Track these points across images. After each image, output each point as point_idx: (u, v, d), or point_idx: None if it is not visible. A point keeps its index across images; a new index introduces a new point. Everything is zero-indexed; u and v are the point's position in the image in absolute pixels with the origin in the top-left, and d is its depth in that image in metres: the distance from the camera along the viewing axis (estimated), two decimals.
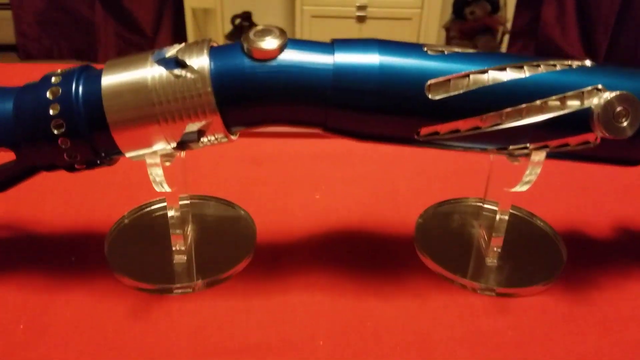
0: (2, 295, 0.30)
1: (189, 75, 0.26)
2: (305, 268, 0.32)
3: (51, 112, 0.27)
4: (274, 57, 0.26)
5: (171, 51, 0.27)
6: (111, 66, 0.27)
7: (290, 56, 0.27)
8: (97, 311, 0.29)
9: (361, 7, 1.64)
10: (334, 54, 0.27)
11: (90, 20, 1.90)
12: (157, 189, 0.29)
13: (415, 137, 0.28)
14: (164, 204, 0.35)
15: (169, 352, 0.27)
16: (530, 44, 1.96)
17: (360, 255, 0.34)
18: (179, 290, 0.31)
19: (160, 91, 0.26)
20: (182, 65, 0.26)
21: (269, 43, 0.26)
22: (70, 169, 0.29)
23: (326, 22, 1.66)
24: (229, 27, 1.73)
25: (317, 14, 1.65)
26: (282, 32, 0.27)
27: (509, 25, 1.74)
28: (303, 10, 1.63)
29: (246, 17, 1.73)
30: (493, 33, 1.74)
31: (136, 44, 1.92)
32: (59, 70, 0.28)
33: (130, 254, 0.33)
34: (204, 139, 0.28)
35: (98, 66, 0.29)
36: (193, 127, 0.27)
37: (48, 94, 0.27)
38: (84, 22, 1.91)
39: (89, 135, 0.27)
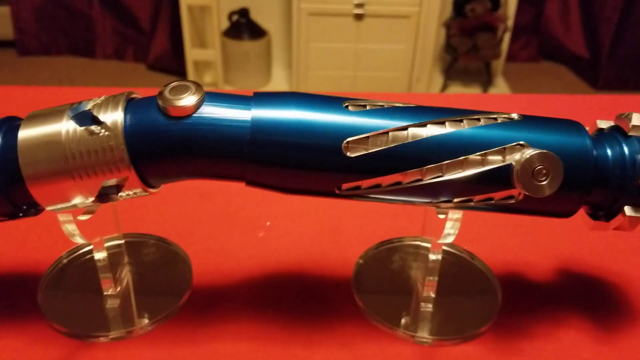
0: None
1: (102, 131, 0.26)
2: (237, 315, 0.32)
3: None
4: (190, 114, 0.26)
5: (88, 105, 0.27)
6: (29, 119, 0.27)
7: (207, 111, 0.26)
8: (25, 357, 0.30)
9: (359, 5, 1.62)
10: (251, 109, 0.27)
11: (88, 16, 1.90)
12: (75, 241, 0.29)
13: (337, 191, 0.28)
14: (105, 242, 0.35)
15: None
16: (533, 41, 1.94)
17: (295, 300, 0.33)
18: (110, 337, 0.31)
19: (73, 146, 0.26)
20: (96, 121, 0.26)
21: (185, 101, 0.26)
22: None
23: (323, 20, 1.64)
24: (225, 24, 1.72)
25: (314, 11, 1.63)
26: (198, 88, 0.27)
27: (510, 22, 1.71)
28: (300, 7, 1.62)
29: (243, 13, 1.72)
30: (494, 31, 1.71)
31: (133, 39, 1.92)
32: None
33: (64, 296, 0.33)
34: (122, 193, 0.27)
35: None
36: (109, 182, 0.27)
37: None
38: (82, 18, 1.91)
39: (7, 190, 0.27)
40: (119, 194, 0.27)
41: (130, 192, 0.28)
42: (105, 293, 0.32)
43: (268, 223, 0.39)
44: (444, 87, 1.79)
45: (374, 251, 0.36)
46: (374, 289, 0.34)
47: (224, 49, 1.68)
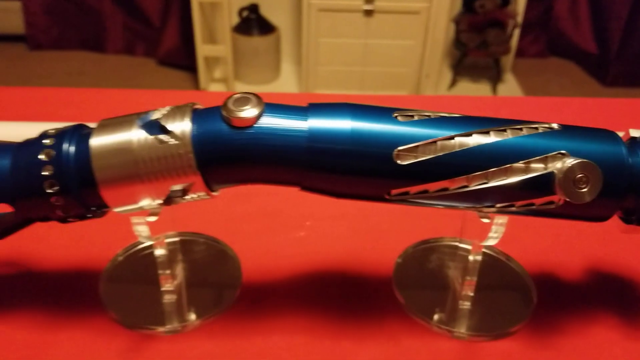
0: (6, 332, 0.32)
1: (171, 140, 0.28)
2: (287, 309, 0.34)
3: (45, 173, 0.28)
4: (252, 125, 0.28)
5: (156, 115, 0.29)
6: (101, 127, 0.29)
7: (267, 122, 0.28)
8: (91, 349, 0.32)
9: (369, 1, 1.63)
10: (307, 119, 0.28)
11: (98, 10, 1.92)
12: (143, 241, 0.31)
13: (387, 197, 0.29)
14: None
15: None
16: (542, 37, 1.95)
17: (340, 296, 0.35)
18: (168, 331, 0.33)
19: (144, 153, 0.28)
20: (165, 130, 0.28)
21: (247, 112, 0.28)
22: (63, 221, 0.31)
23: (333, 16, 1.66)
24: (235, 20, 1.73)
25: (324, 7, 1.64)
26: (259, 101, 0.28)
27: (519, 18, 1.72)
28: (310, 3, 1.63)
29: (253, 9, 1.73)
30: (503, 26, 1.72)
31: (143, 35, 1.94)
32: (52, 130, 0.30)
33: (123, 292, 0.35)
34: (187, 197, 0.29)
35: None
36: (177, 187, 0.29)
37: (42, 156, 0.29)
38: (92, 13, 1.92)
39: (79, 193, 0.29)
40: (184, 197, 0.29)
41: (195, 195, 0.29)
42: (163, 288, 0.34)
43: (308, 223, 0.41)
44: (453, 83, 1.80)
45: (412, 250, 0.38)
46: (414, 287, 0.36)
47: (233, 44, 1.69)
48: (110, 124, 0.29)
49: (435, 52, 1.69)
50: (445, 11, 1.65)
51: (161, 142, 0.28)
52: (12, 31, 1.96)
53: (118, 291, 0.35)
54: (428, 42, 1.67)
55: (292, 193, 0.44)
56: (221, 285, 0.36)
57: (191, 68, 1.83)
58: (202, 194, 0.29)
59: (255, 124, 0.28)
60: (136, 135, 0.28)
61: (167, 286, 0.34)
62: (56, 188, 0.29)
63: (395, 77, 1.74)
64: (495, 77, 1.78)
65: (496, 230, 0.30)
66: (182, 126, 0.28)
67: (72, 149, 0.29)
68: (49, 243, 0.39)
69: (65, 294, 0.35)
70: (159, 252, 0.33)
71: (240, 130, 0.28)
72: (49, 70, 1.88)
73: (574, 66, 1.93)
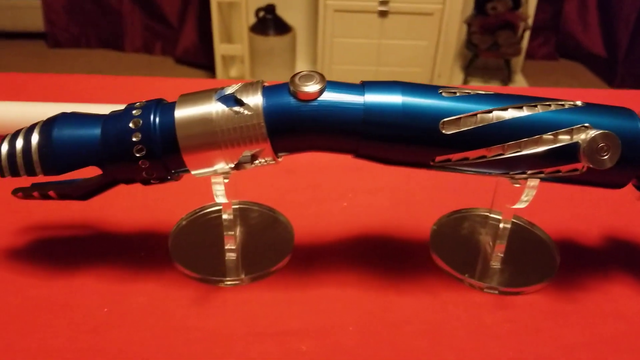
0: (90, 283, 0.37)
1: (245, 111, 0.32)
2: (336, 267, 0.38)
3: (134, 139, 0.33)
4: (315, 98, 0.32)
5: (230, 90, 0.33)
6: (182, 101, 0.33)
7: (329, 97, 0.32)
8: (165, 298, 0.36)
9: (383, 2, 1.67)
10: (364, 94, 0.33)
11: (117, 9, 1.97)
12: (218, 200, 0.35)
13: (431, 163, 0.34)
14: (215, 208, 0.42)
15: (223, 333, 0.34)
16: (551, 39, 1.98)
17: (382, 257, 0.40)
18: (230, 283, 0.37)
19: (222, 123, 0.32)
20: (240, 103, 0.32)
21: (312, 87, 0.32)
22: (146, 183, 0.35)
23: (348, 17, 1.70)
24: (252, 20, 1.78)
25: (340, 8, 1.69)
26: (322, 77, 0.33)
27: (530, 21, 1.76)
28: (326, 4, 1.67)
29: (270, 9, 1.78)
30: (514, 29, 1.76)
31: (162, 34, 1.99)
32: (137, 104, 0.34)
33: (189, 250, 0.39)
34: (256, 162, 0.34)
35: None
36: (248, 152, 0.33)
37: (131, 124, 0.33)
38: (111, 12, 1.98)
39: (163, 158, 0.33)
40: (254, 162, 0.33)
41: (262, 160, 0.34)
42: (226, 246, 0.38)
43: (350, 195, 0.45)
44: (464, 83, 1.84)
45: (447, 219, 0.42)
46: (448, 250, 0.40)
47: (250, 44, 1.74)
48: (190, 98, 0.33)
49: (448, 53, 1.74)
50: (458, 13, 1.69)
51: (237, 113, 0.32)
52: (32, 29, 2.01)
53: (184, 249, 0.39)
54: (440, 43, 1.71)
55: (333, 168, 0.48)
56: (276, 245, 0.40)
57: (208, 67, 1.88)
58: (269, 159, 0.34)
59: (318, 97, 0.32)
60: (215, 107, 0.32)
61: (229, 245, 0.38)
62: (143, 153, 0.33)
63: (408, 77, 1.77)
64: (505, 78, 1.82)
65: (527, 194, 0.34)
66: (255, 99, 0.32)
67: (157, 119, 0.33)
68: (121, 210, 0.43)
69: (137, 251, 0.39)
70: (226, 215, 0.37)
71: (305, 103, 0.32)
72: (68, 68, 1.93)
73: (582, 68, 1.97)
